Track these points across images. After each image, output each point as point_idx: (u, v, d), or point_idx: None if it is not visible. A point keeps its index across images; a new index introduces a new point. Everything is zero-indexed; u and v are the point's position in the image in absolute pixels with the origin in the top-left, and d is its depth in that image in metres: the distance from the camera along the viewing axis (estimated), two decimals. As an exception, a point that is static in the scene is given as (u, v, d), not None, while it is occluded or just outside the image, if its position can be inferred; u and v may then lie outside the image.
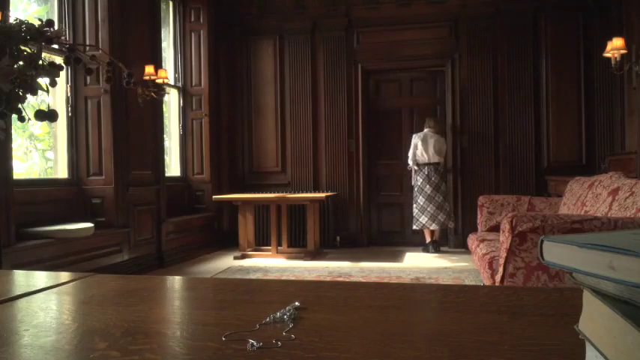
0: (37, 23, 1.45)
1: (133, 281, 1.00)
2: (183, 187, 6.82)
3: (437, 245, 6.37)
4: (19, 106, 1.40)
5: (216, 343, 0.60)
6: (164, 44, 6.46)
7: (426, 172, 6.26)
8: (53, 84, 1.47)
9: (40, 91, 1.43)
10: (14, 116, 1.43)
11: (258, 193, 6.69)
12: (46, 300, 0.85)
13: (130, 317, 0.72)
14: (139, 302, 0.83)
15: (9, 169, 3.92)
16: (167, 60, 6.73)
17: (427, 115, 6.71)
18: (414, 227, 6.37)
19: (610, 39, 5.25)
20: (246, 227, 6.35)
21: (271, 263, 5.91)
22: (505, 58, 6.62)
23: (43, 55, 1.47)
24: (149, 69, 5.38)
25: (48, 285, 0.95)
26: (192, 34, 6.95)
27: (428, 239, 6.39)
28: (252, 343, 0.58)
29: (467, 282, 4.71)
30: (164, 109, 6.24)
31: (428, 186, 6.24)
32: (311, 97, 7.06)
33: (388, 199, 7.07)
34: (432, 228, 6.26)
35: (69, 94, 5.05)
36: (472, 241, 3.94)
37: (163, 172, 6.03)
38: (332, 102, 7.02)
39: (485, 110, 6.66)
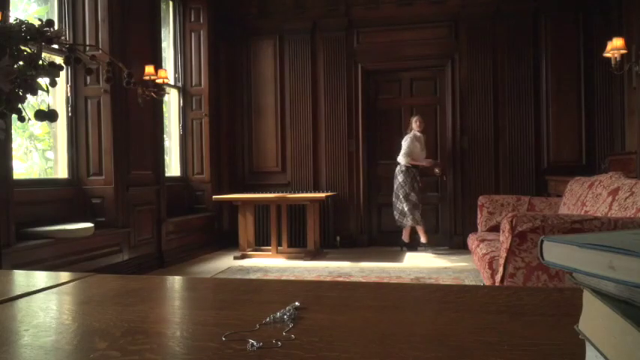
0: (37, 23, 1.44)
1: (133, 281, 1.00)
2: (183, 187, 6.82)
3: (403, 244, 6.54)
4: (19, 106, 1.40)
5: (216, 343, 0.60)
6: (164, 44, 6.45)
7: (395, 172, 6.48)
8: (53, 84, 1.47)
9: (40, 91, 1.43)
10: (14, 116, 1.43)
11: (258, 193, 6.69)
12: (46, 300, 0.85)
13: (130, 317, 0.72)
14: (139, 302, 0.83)
15: (9, 169, 3.92)
16: (167, 60, 6.73)
17: (426, 114, 6.74)
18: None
19: (610, 39, 5.25)
20: (246, 227, 6.35)
21: (271, 263, 5.91)
22: (505, 59, 6.62)
23: (43, 55, 1.47)
24: (149, 69, 5.38)
25: (48, 285, 0.95)
26: (192, 34, 6.95)
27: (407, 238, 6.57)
28: (252, 343, 0.58)
29: (467, 282, 4.71)
30: (164, 109, 6.24)
31: (394, 186, 6.46)
32: (311, 97, 7.06)
33: (388, 199, 7.05)
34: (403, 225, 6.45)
35: (69, 94, 5.05)
36: (472, 241, 3.94)
37: (163, 172, 6.03)
38: (332, 102, 7.02)
39: (485, 110, 6.67)
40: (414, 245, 6.54)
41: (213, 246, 6.82)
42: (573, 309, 0.67)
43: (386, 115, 7.08)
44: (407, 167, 6.31)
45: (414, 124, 6.41)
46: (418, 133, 6.40)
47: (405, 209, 6.32)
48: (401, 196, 6.33)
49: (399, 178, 6.35)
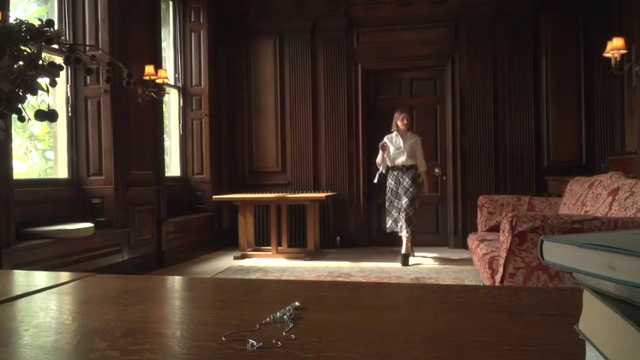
0: (37, 23, 1.44)
1: (133, 281, 1.00)
2: (183, 187, 6.82)
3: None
4: (19, 106, 1.40)
5: (216, 343, 0.60)
6: (164, 44, 6.45)
7: None
8: (53, 84, 1.47)
9: (40, 91, 1.43)
10: (14, 116, 1.43)
11: (258, 193, 6.69)
12: (46, 300, 0.85)
13: (130, 317, 0.72)
14: (139, 302, 0.82)
15: (9, 169, 3.92)
16: (167, 60, 6.73)
17: (426, 114, 6.73)
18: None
19: (610, 39, 5.25)
20: (246, 227, 6.35)
21: (271, 263, 5.91)
22: (505, 58, 6.62)
23: (43, 55, 1.47)
24: (149, 69, 5.38)
25: (48, 285, 0.95)
26: (192, 34, 6.95)
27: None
28: (252, 343, 0.58)
29: (467, 282, 4.71)
30: (164, 109, 6.24)
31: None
32: (311, 97, 7.06)
33: (388, 199, 7.07)
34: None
35: (69, 94, 5.05)
36: (472, 241, 3.94)
37: (163, 172, 6.03)
38: (332, 102, 7.02)
39: (486, 110, 6.66)
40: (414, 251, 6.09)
41: (213, 246, 6.82)
42: (573, 309, 0.67)
43: (386, 115, 7.05)
44: (387, 169, 5.89)
45: (400, 122, 5.84)
46: (393, 132, 5.89)
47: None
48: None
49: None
